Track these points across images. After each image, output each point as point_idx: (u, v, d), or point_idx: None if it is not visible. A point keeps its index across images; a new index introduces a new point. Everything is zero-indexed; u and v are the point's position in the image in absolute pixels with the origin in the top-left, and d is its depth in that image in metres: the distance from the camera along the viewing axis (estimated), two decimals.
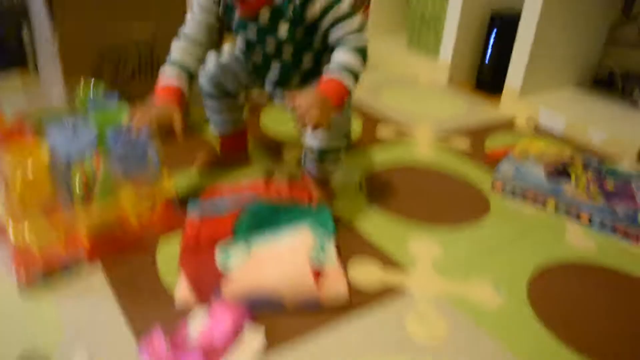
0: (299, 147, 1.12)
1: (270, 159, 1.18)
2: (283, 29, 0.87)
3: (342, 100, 0.82)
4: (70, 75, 1.03)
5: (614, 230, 1.01)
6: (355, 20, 0.85)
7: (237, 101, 1.05)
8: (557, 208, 1.07)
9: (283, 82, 0.96)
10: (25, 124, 0.85)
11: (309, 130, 0.79)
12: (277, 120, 1.38)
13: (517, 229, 1.01)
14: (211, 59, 0.98)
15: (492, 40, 1.72)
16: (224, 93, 1.02)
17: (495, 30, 1.71)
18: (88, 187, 0.78)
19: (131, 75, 1.12)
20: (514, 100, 1.60)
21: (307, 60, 0.92)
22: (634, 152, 1.33)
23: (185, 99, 0.89)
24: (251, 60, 0.96)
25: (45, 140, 0.81)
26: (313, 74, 0.92)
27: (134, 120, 0.82)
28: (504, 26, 1.68)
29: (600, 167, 1.21)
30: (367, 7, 2.14)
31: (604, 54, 1.84)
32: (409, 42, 2.01)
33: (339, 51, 0.84)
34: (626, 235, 1.00)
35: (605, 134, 1.41)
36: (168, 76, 0.88)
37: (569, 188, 1.09)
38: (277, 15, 0.86)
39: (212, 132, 1.12)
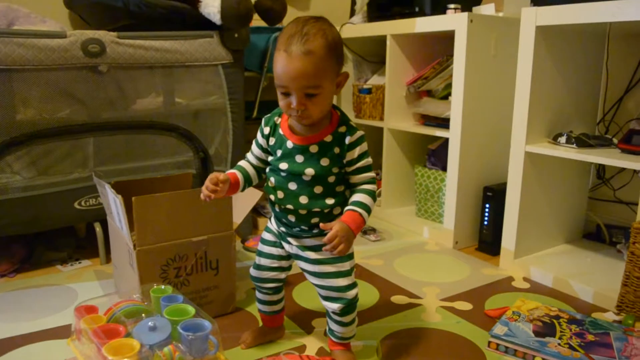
0: (323, 318, 1.37)
1: (301, 329, 1.43)
2: (325, 161, 1.14)
3: (359, 230, 1.12)
4: (144, 279, 1.35)
5: None
6: (372, 172, 1.17)
7: (277, 295, 1.34)
8: None
9: (303, 224, 1.19)
10: (119, 323, 1.13)
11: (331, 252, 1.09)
12: (306, 294, 1.64)
13: None
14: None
15: (487, 209, 2.01)
16: (267, 289, 1.31)
17: (489, 199, 2.01)
18: None
19: (190, 273, 1.42)
20: (510, 261, 1.85)
21: (327, 202, 1.16)
22: (615, 304, 1.53)
23: (239, 185, 1.21)
24: (279, 199, 1.19)
25: (133, 333, 1.09)
26: (323, 221, 1.17)
27: (204, 187, 1.13)
28: (497, 195, 1.98)
29: (583, 320, 1.42)
30: (379, 182, 2.49)
31: (590, 209, 2.11)
32: (417, 211, 2.32)
33: (359, 193, 1.15)
34: None
35: (589, 286, 1.63)
36: (229, 171, 1.22)
37: (553, 343, 1.30)
38: (324, 150, 1.14)
39: (258, 308, 1.37)
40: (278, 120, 1.20)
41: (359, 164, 1.16)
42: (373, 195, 1.16)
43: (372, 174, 1.18)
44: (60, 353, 1.31)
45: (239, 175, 1.21)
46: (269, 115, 1.22)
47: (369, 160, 1.17)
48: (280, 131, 1.18)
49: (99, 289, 1.68)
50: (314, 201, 1.16)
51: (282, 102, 1.11)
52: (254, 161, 1.25)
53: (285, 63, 1.07)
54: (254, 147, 1.25)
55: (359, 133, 1.16)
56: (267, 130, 1.20)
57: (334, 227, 1.08)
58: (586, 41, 1.85)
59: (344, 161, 1.15)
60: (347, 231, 1.09)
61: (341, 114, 1.17)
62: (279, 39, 1.10)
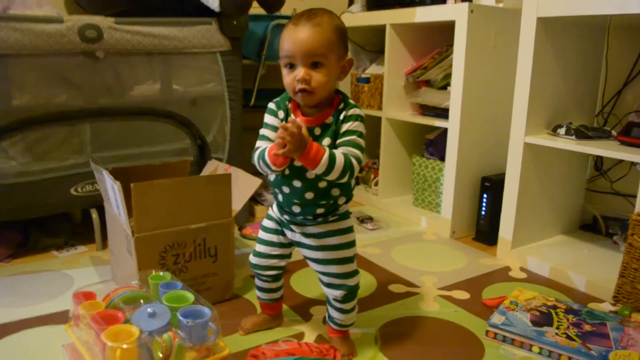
0: (322, 306, 1.38)
1: (299, 317, 1.43)
2: (327, 142, 1.13)
3: (310, 162, 1.04)
4: (142, 266, 1.34)
5: None
6: (360, 153, 1.11)
7: (277, 283, 1.34)
8: (541, 351, 1.28)
9: (308, 214, 1.18)
10: (117, 310, 1.13)
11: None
12: (304, 281, 1.64)
13: None
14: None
15: (485, 199, 2.01)
16: (267, 277, 1.31)
17: (487, 189, 2.01)
18: (165, 356, 1.03)
19: (188, 259, 1.42)
20: (507, 251, 1.85)
21: (333, 193, 1.16)
22: (611, 294, 1.54)
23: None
24: (285, 194, 1.18)
25: (132, 319, 1.08)
26: (327, 211, 1.18)
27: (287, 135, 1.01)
28: (494, 186, 1.98)
29: (580, 310, 1.43)
30: (377, 171, 2.49)
31: (587, 200, 2.11)
32: (415, 201, 2.32)
33: (341, 152, 1.09)
34: None
35: (586, 277, 1.63)
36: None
37: (550, 333, 1.31)
38: (325, 130, 1.14)
39: (257, 296, 1.38)
40: (289, 104, 1.18)
41: (345, 138, 1.12)
42: (348, 161, 1.07)
43: (357, 152, 1.11)
44: (57, 339, 1.30)
45: None
46: (278, 99, 1.19)
47: (358, 139, 1.12)
48: (292, 116, 1.16)
49: (95, 275, 1.67)
50: (319, 196, 1.16)
51: (287, 77, 1.11)
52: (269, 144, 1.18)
53: (293, 33, 1.08)
54: (268, 132, 1.18)
55: (356, 110, 1.14)
56: (282, 114, 1.17)
57: (299, 129, 1.01)
58: (586, 33, 1.84)
59: (339, 133, 1.13)
60: (302, 143, 1.02)
61: (343, 95, 1.17)
62: (286, 23, 1.11)
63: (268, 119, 1.19)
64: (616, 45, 1.99)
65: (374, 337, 1.35)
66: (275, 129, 1.17)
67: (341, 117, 1.13)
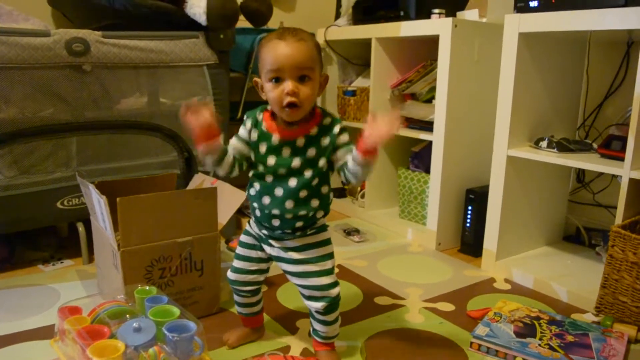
0: (308, 319, 1.38)
1: (285, 330, 1.44)
2: (311, 152, 1.15)
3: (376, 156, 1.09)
4: (128, 280, 1.34)
5: None
6: None
7: (256, 297, 1.35)
8: None
9: (287, 228, 1.20)
10: (103, 324, 1.13)
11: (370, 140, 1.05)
12: (290, 294, 1.65)
13: None
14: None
15: (469, 211, 2.04)
16: (246, 292, 1.31)
17: (471, 201, 2.03)
18: None
19: (174, 273, 1.42)
20: (492, 263, 1.87)
21: (313, 205, 1.18)
22: (593, 305, 1.56)
23: (219, 140, 1.14)
24: (264, 205, 1.19)
25: (117, 334, 1.08)
26: (306, 225, 1.20)
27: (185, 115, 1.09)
28: (479, 198, 2.00)
29: (563, 321, 1.45)
30: (363, 183, 2.50)
31: (570, 212, 2.14)
32: (401, 213, 2.34)
33: None
34: None
35: (568, 288, 1.66)
36: None
37: (533, 344, 1.33)
38: (310, 142, 1.15)
39: (237, 310, 1.39)
40: (260, 116, 1.20)
41: (349, 147, 1.16)
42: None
43: None
44: (43, 354, 1.30)
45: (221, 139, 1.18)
46: (251, 110, 1.22)
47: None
48: (264, 127, 1.18)
49: (81, 289, 1.67)
50: (299, 205, 1.17)
51: (274, 92, 1.11)
52: (230, 149, 1.22)
53: (279, 47, 1.10)
54: (232, 140, 1.23)
55: (342, 122, 1.19)
56: (248, 123, 1.20)
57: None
58: (567, 48, 1.88)
59: (333, 147, 1.16)
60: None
61: (322, 109, 1.20)
62: (267, 39, 1.13)
63: (240, 128, 1.23)
64: (597, 59, 2.03)
65: (359, 350, 1.36)
66: (239, 137, 1.22)
67: (336, 130, 1.16)
